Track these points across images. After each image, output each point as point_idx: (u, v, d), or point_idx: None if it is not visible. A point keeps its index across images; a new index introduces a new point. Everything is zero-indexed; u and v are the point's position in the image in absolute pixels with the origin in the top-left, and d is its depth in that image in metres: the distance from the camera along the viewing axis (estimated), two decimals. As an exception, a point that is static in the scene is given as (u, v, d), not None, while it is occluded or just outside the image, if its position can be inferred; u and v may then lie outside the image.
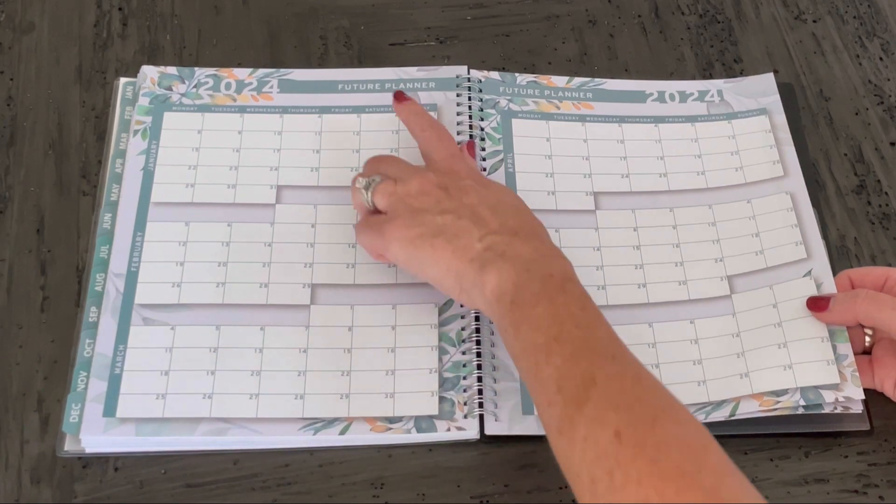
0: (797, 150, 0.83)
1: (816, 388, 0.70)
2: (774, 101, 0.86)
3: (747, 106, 0.85)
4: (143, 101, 0.82)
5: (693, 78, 0.88)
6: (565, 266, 0.66)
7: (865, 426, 0.71)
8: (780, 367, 0.71)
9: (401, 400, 0.71)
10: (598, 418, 0.56)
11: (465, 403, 0.71)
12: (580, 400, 0.57)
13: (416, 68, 0.86)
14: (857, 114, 0.87)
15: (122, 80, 0.85)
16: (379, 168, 0.74)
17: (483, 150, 0.82)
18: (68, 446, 0.68)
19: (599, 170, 0.81)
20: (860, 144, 0.86)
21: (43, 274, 0.76)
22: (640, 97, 0.86)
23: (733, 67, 0.89)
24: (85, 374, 0.70)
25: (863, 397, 0.70)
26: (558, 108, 0.85)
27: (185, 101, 0.83)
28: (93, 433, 0.68)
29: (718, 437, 0.57)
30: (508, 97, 0.85)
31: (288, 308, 0.74)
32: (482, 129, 0.83)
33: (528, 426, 0.70)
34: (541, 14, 0.93)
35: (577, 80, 0.87)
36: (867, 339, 0.73)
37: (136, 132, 0.81)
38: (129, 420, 0.69)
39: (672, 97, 0.86)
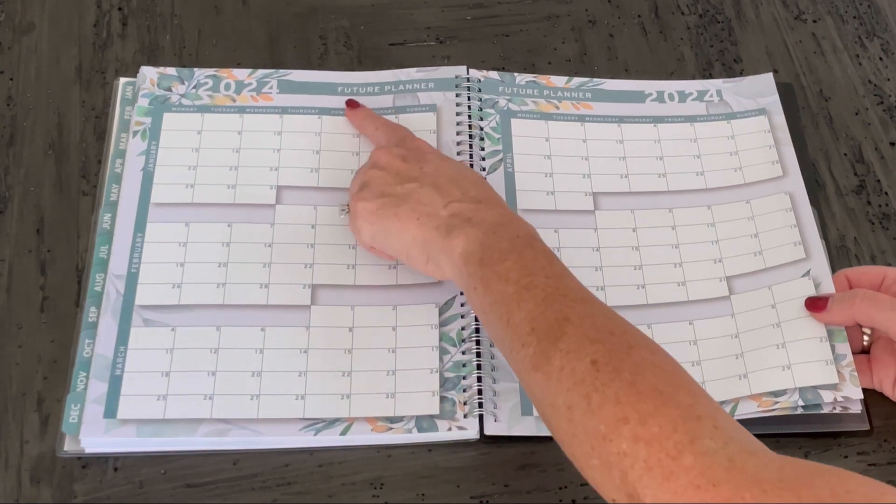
0: (797, 150, 0.83)
1: (815, 388, 0.70)
2: (773, 101, 0.86)
3: (746, 106, 0.85)
4: (143, 102, 0.82)
5: (693, 78, 0.88)
6: (530, 228, 0.67)
7: (865, 426, 0.71)
8: (779, 368, 0.71)
9: (402, 400, 0.71)
10: (574, 350, 0.57)
11: (465, 403, 0.71)
12: (555, 336, 0.58)
13: (415, 69, 0.86)
14: (857, 114, 0.87)
15: (122, 80, 0.85)
16: (351, 188, 0.75)
17: (482, 149, 0.82)
18: (68, 446, 0.68)
19: (598, 170, 0.82)
20: (860, 144, 0.86)
21: (43, 274, 0.76)
22: (640, 97, 0.86)
23: (733, 67, 0.89)
24: (84, 374, 0.70)
25: (861, 397, 0.70)
26: (557, 108, 0.85)
27: (185, 101, 0.83)
28: (93, 434, 0.68)
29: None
30: (508, 97, 0.85)
31: (288, 309, 0.74)
32: (481, 129, 0.83)
33: (528, 427, 0.70)
34: (541, 14, 0.93)
35: (577, 80, 0.87)
36: (865, 338, 0.73)
37: (135, 133, 0.81)
38: (130, 421, 0.69)
39: (671, 97, 0.86)
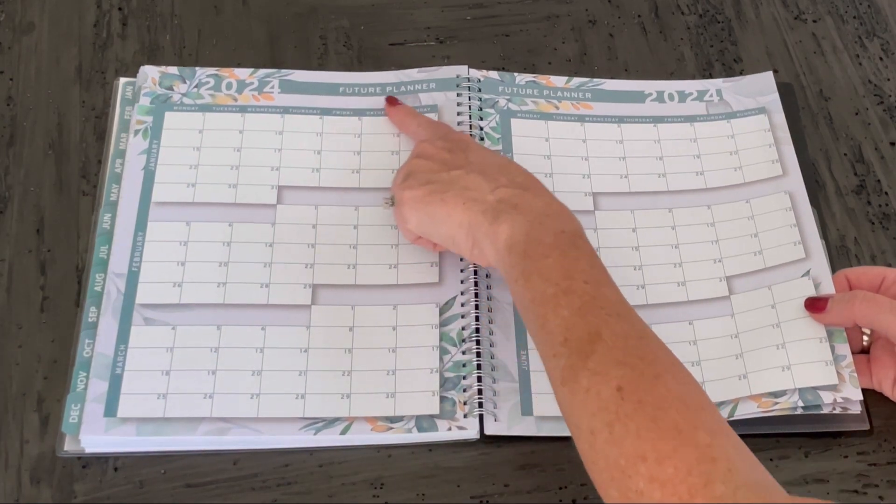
0: (797, 150, 0.83)
1: (815, 388, 0.70)
2: (773, 100, 0.86)
3: (746, 105, 0.85)
4: (144, 101, 0.82)
5: (693, 78, 0.88)
6: (576, 224, 0.67)
7: (865, 426, 0.71)
8: (779, 368, 0.71)
9: (402, 400, 0.71)
10: (601, 372, 0.57)
11: (465, 403, 0.71)
12: (585, 352, 0.59)
13: (416, 70, 0.86)
14: (857, 114, 0.87)
15: (122, 80, 0.85)
16: (395, 181, 0.75)
17: (483, 150, 0.82)
18: (68, 446, 0.68)
19: (598, 170, 0.82)
20: (860, 144, 0.86)
21: (43, 274, 0.76)
22: (639, 97, 0.86)
23: (733, 67, 0.89)
24: (84, 374, 0.70)
25: (861, 398, 0.70)
26: (557, 108, 0.85)
27: (186, 100, 0.83)
28: (93, 433, 0.68)
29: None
30: (507, 97, 0.85)
31: (289, 308, 0.74)
32: (481, 129, 0.83)
33: (527, 427, 0.70)
34: (541, 14, 0.93)
35: (576, 81, 0.87)
36: (865, 338, 0.73)
37: (136, 132, 0.81)
38: (130, 420, 0.69)
39: (671, 97, 0.86)
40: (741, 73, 0.89)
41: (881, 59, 0.91)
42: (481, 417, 0.71)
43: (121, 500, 0.68)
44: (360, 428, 0.70)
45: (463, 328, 0.74)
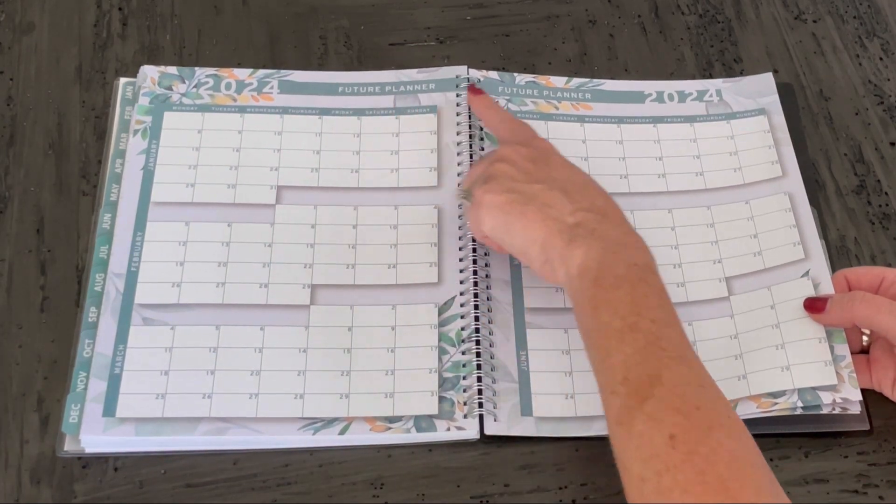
0: (797, 151, 0.83)
1: (814, 389, 0.70)
2: (773, 100, 0.86)
3: (746, 106, 0.85)
4: (144, 101, 0.82)
5: (693, 78, 0.88)
6: (649, 257, 0.67)
7: (865, 426, 0.71)
8: (778, 369, 0.71)
9: (401, 400, 0.71)
10: (656, 417, 0.58)
11: (464, 403, 0.71)
12: (643, 395, 0.59)
13: (416, 70, 0.86)
14: (857, 114, 0.87)
15: (122, 80, 0.85)
16: (473, 173, 0.75)
17: (482, 150, 0.82)
18: (68, 446, 0.68)
19: (598, 171, 0.81)
20: (860, 144, 0.86)
21: (43, 274, 0.76)
22: (639, 97, 0.86)
23: (733, 67, 0.89)
24: (84, 374, 0.70)
25: (860, 399, 0.70)
26: (557, 108, 0.85)
27: (186, 100, 0.83)
28: (93, 433, 0.68)
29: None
30: (507, 97, 0.85)
31: (288, 308, 0.74)
32: (481, 129, 0.83)
33: (527, 427, 0.70)
34: (541, 14, 0.93)
35: (576, 81, 0.87)
36: (864, 338, 0.73)
37: (136, 132, 0.81)
38: (129, 420, 0.69)
39: (671, 97, 0.86)
40: (741, 74, 0.89)
41: (881, 59, 0.91)
42: (481, 418, 0.71)
43: (121, 500, 0.68)
44: (359, 428, 0.70)
45: (462, 328, 0.74)
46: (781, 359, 0.71)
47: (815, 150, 0.85)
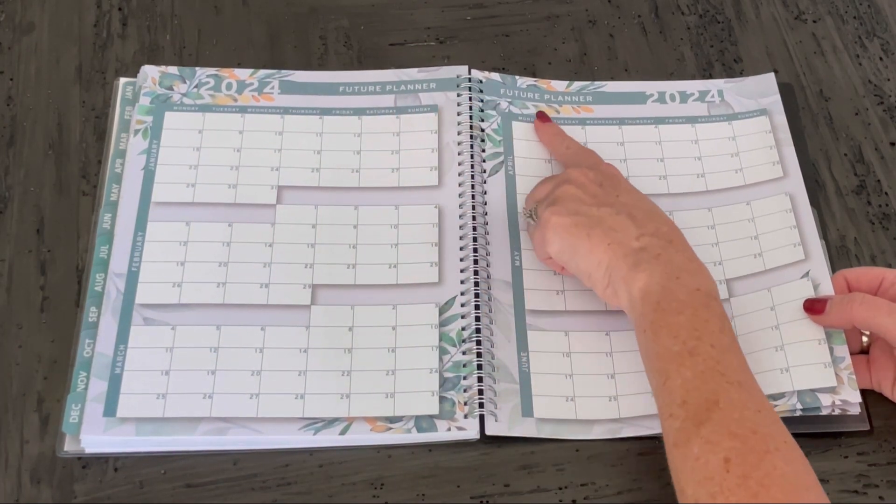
0: (797, 151, 0.83)
1: (813, 391, 0.70)
2: (775, 101, 0.85)
3: (747, 107, 0.85)
4: (144, 101, 0.82)
5: (693, 78, 0.88)
6: (711, 283, 0.67)
7: (865, 426, 0.71)
8: (778, 371, 0.71)
9: (401, 400, 0.71)
10: (712, 441, 0.58)
11: (465, 403, 0.71)
12: (700, 419, 0.59)
13: (416, 70, 0.86)
14: (857, 114, 0.87)
15: (122, 80, 0.85)
16: (539, 192, 0.76)
17: (483, 150, 0.82)
18: (68, 446, 0.68)
19: (599, 172, 0.81)
20: (860, 144, 0.86)
21: (43, 274, 0.76)
22: (641, 98, 0.86)
23: (733, 67, 0.89)
24: (85, 374, 0.70)
25: (859, 400, 0.70)
26: (558, 111, 0.85)
27: (186, 100, 0.83)
28: (93, 433, 0.68)
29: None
30: (509, 99, 0.85)
31: (288, 308, 0.74)
32: (482, 131, 0.83)
33: (528, 428, 0.70)
34: (541, 14, 0.93)
35: (577, 84, 0.86)
36: (864, 339, 0.73)
37: (136, 132, 0.81)
38: (130, 420, 0.69)
39: (672, 98, 0.86)
40: (741, 74, 0.89)
41: (881, 59, 0.91)
42: (481, 418, 0.71)
43: (121, 500, 0.68)
44: (360, 428, 0.70)
45: (463, 328, 0.74)
46: (781, 360, 0.71)
47: (815, 150, 0.85)
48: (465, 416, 0.70)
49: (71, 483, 0.68)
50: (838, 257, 0.79)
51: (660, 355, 0.64)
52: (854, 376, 0.70)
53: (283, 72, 0.85)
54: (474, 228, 0.78)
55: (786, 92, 0.87)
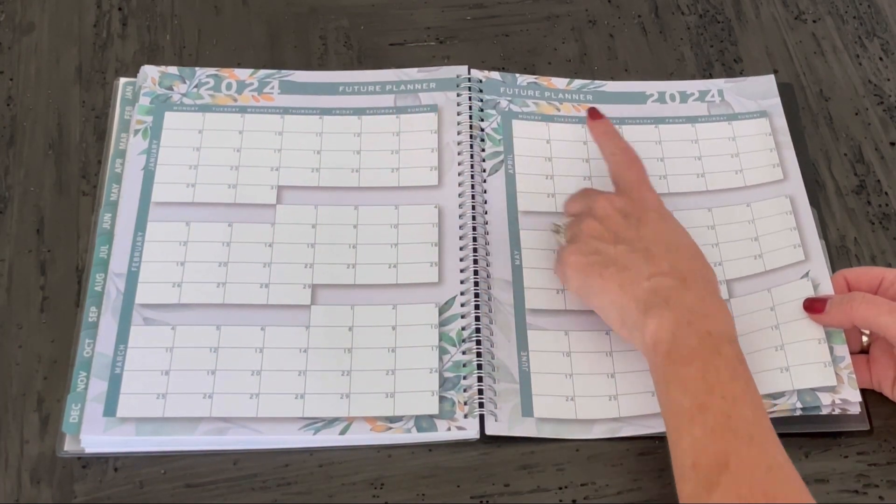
0: (797, 151, 0.83)
1: (813, 390, 0.70)
2: (775, 103, 0.85)
3: (748, 108, 0.85)
4: (144, 101, 0.82)
5: (693, 78, 0.88)
6: (725, 324, 0.67)
7: (865, 426, 0.71)
8: (778, 370, 0.71)
9: (401, 399, 0.71)
10: None
11: (465, 403, 0.71)
12: (711, 483, 0.59)
13: (416, 69, 0.86)
14: (857, 114, 0.87)
15: (122, 80, 0.85)
16: (571, 207, 0.75)
17: (483, 150, 0.82)
18: (68, 446, 0.68)
19: (600, 172, 0.81)
20: (860, 144, 0.86)
21: (43, 274, 0.76)
22: (641, 98, 0.86)
23: (733, 67, 0.89)
24: (85, 374, 0.70)
25: (859, 400, 0.70)
26: (558, 109, 0.85)
27: (186, 100, 0.83)
28: (93, 433, 0.68)
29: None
30: (509, 98, 0.85)
31: (288, 308, 0.74)
32: (482, 130, 0.83)
33: (528, 428, 0.70)
34: (541, 14, 0.93)
35: (578, 82, 0.87)
36: (864, 338, 0.73)
37: (136, 132, 0.81)
38: (130, 420, 0.69)
39: (672, 97, 0.86)
40: (741, 74, 0.89)
41: (881, 59, 0.91)
42: (481, 417, 0.71)
43: (121, 500, 0.68)
44: (360, 428, 0.70)
45: (463, 328, 0.74)
46: (781, 360, 0.71)
47: (815, 150, 0.85)
48: (465, 416, 0.70)
49: (71, 483, 0.68)
50: (838, 257, 0.79)
51: (671, 410, 0.63)
52: (854, 376, 0.70)
53: (283, 72, 0.85)
54: (474, 228, 0.78)
55: (786, 92, 0.87)
